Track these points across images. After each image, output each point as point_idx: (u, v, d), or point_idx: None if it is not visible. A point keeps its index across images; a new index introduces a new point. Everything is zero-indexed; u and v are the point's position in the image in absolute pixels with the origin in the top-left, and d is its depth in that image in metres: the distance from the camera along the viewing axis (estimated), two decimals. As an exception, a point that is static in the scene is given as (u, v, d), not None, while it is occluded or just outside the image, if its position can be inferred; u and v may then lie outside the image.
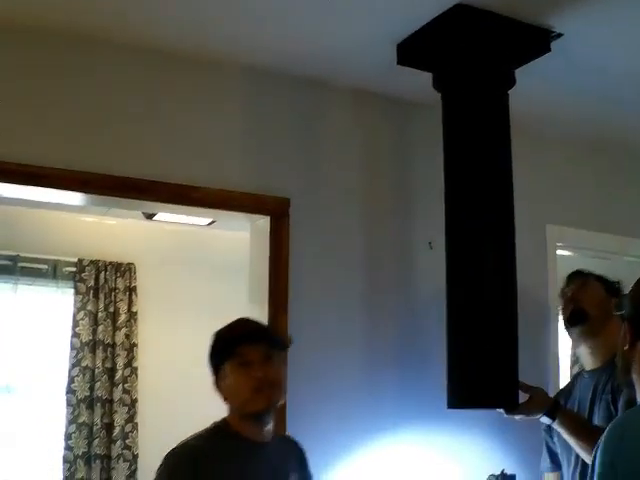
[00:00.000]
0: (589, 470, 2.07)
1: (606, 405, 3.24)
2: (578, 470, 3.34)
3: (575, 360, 6.52)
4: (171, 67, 3.52)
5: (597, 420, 3.29)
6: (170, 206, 3.58)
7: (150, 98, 3.47)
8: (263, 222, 3.58)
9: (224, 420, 2.62)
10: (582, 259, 4.82)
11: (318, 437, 3.45)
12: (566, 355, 6.41)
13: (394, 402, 3.68)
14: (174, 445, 2.52)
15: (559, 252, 4.35)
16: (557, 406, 3.25)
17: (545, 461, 3.57)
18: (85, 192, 3.41)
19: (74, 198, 3.54)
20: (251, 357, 2.59)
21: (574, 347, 4.02)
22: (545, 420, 3.24)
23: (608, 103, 3.99)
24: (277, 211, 3.55)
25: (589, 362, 3.36)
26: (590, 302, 3.28)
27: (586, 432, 3.13)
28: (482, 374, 3.10)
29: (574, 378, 3.64)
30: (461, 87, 3.28)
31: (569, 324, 3.43)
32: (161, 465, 2.50)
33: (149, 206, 3.75)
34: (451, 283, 3.22)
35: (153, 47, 3.43)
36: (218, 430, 2.60)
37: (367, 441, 3.62)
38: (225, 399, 2.60)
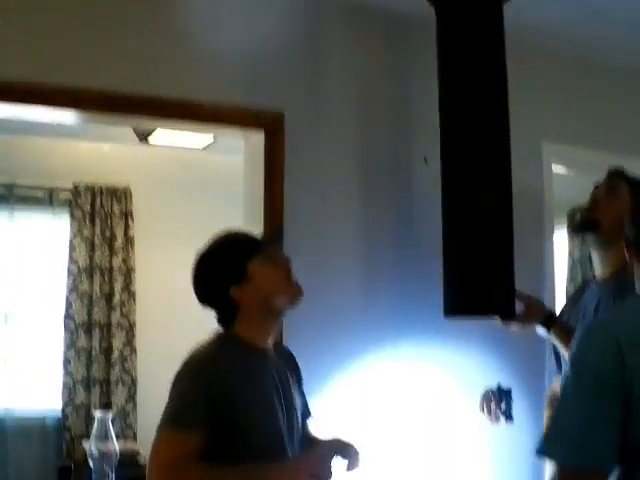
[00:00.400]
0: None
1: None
2: None
3: (573, 274, 6.61)
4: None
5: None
6: (164, 121, 3.56)
7: (148, 9, 3.43)
8: (257, 137, 3.56)
9: (230, 330, 2.56)
10: (578, 176, 4.83)
11: (316, 352, 3.49)
12: (563, 266, 6.50)
13: (391, 315, 3.70)
14: (172, 368, 2.47)
15: (554, 169, 4.34)
16: (553, 317, 3.26)
17: (553, 365, 3.60)
18: (78, 109, 3.38)
19: (67, 116, 3.52)
20: (276, 254, 2.64)
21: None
22: (540, 331, 3.25)
23: (608, 18, 3.95)
24: (271, 126, 3.53)
25: (599, 271, 3.31)
26: (609, 213, 3.12)
27: None
28: (479, 283, 3.11)
29: (583, 286, 3.63)
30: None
31: (578, 230, 3.40)
32: (180, 372, 2.43)
33: (142, 122, 3.74)
34: (446, 195, 3.22)
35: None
36: (228, 339, 2.54)
37: (364, 355, 3.64)
38: (247, 304, 2.52)
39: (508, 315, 3.20)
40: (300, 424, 2.70)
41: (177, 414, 2.37)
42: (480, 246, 3.13)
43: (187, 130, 4.11)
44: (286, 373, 2.70)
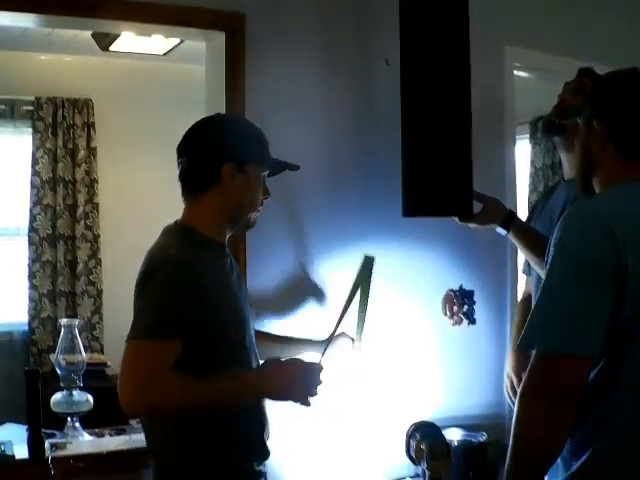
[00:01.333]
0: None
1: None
2: None
3: (535, 184, 6.65)
4: None
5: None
6: (123, 24, 3.51)
7: None
8: (219, 39, 3.52)
9: (188, 224, 2.50)
10: (540, 81, 4.83)
11: (278, 256, 3.51)
12: (525, 175, 6.54)
13: (355, 219, 3.69)
14: (133, 278, 2.41)
15: (516, 73, 4.33)
16: (512, 217, 3.25)
17: (525, 265, 3.64)
18: (38, 13, 3.31)
19: (28, 20, 3.47)
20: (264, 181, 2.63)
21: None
22: (500, 231, 3.25)
23: None
24: (232, 27, 3.48)
25: (566, 172, 3.35)
26: (573, 113, 3.08)
27: (539, 245, 3.16)
28: (436, 182, 3.11)
29: (550, 191, 3.64)
30: None
31: (545, 132, 3.40)
32: (153, 275, 2.33)
33: (104, 25, 3.65)
34: (405, 97, 3.20)
35: None
36: (191, 235, 2.46)
37: (327, 257, 3.67)
38: (224, 193, 2.49)
39: (466, 215, 3.20)
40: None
41: (157, 322, 2.25)
42: (438, 147, 3.13)
43: (149, 33, 4.05)
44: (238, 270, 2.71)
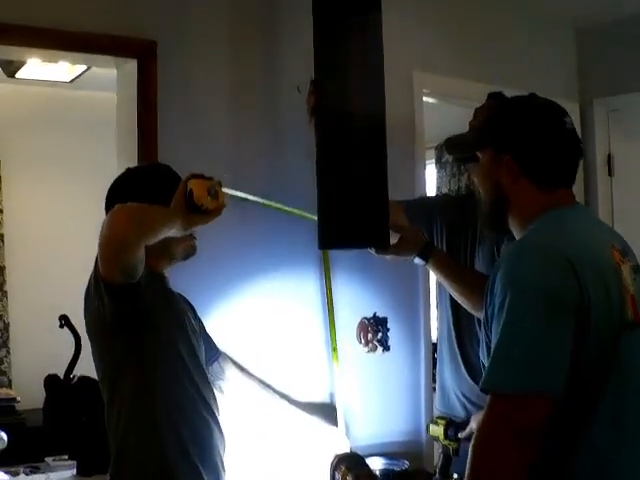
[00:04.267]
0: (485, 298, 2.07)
1: (490, 247, 3.29)
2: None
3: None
4: None
5: (479, 262, 3.35)
6: (30, 50, 3.45)
7: None
8: (130, 66, 3.49)
9: None
10: (450, 110, 4.89)
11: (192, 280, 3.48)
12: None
13: (265, 246, 3.69)
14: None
15: (426, 99, 4.38)
16: (430, 248, 3.23)
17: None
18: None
19: None
20: None
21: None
22: (418, 262, 3.22)
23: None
24: (144, 53, 3.46)
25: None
26: None
27: (460, 275, 3.17)
28: (352, 214, 3.05)
29: (462, 199, 3.60)
30: None
31: (459, 159, 3.38)
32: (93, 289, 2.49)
33: (11, 52, 3.59)
34: (319, 125, 3.20)
35: None
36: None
37: (240, 284, 3.65)
38: None
39: (382, 246, 3.16)
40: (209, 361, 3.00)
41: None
42: (353, 178, 3.10)
43: (58, 59, 3.99)
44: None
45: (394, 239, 3.18)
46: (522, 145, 2.20)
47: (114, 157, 3.74)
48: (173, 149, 3.45)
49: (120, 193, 2.70)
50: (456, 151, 2.87)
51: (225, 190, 2.60)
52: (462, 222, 3.43)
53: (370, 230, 3.13)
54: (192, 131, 3.57)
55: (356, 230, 3.12)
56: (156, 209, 2.48)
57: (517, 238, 2.24)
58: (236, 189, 3.35)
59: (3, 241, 6.12)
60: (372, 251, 3.22)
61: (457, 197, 3.94)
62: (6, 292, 6.12)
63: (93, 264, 2.45)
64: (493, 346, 1.97)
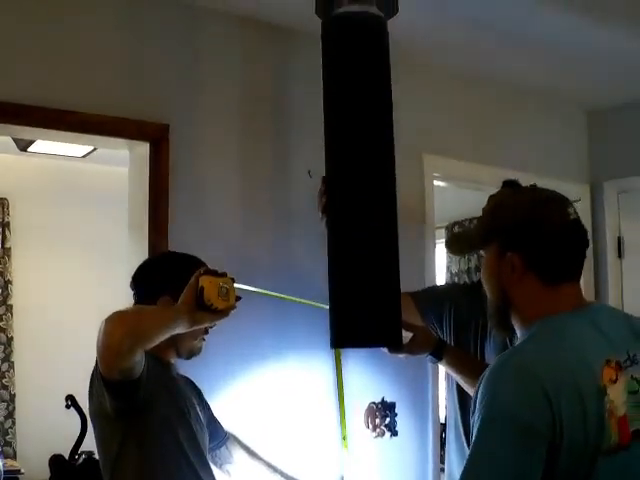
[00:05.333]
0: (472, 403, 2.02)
1: (502, 339, 3.25)
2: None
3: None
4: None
5: (490, 351, 3.32)
6: (45, 132, 3.45)
7: (22, 17, 3.32)
8: (142, 148, 3.52)
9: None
10: (460, 191, 4.92)
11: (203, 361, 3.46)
12: (442, 280, 6.57)
13: (274, 332, 3.68)
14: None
15: (436, 183, 4.40)
16: (442, 346, 3.20)
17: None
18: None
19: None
20: None
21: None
22: (431, 360, 3.19)
23: (491, 33, 4.04)
24: (156, 137, 3.49)
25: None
26: None
27: (472, 369, 3.08)
28: (364, 314, 3.03)
29: (471, 287, 3.58)
30: (340, 15, 3.24)
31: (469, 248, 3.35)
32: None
33: (24, 132, 3.62)
34: (333, 223, 3.15)
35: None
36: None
37: (248, 369, 3.63)
38: None
39: (395, 345, 3.10)
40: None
41: None
42: (364, 277, 3.07)
43: (71, 141, 4.02)
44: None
45: (406, 338, 3.15)
46: (526, 242, 2.14)
47: (124, 230, 3.77)
48: (183, 232, 3.46)
49: (152, 278, 2.81)
50: (462, 251, 2.87)
51: (237, 286, 2.58)
52: (472, 310, 3.40)
53: (382, 330, 3.08)
54: (203, 215, 3.59)
55: (368, 330, 3.05)
56: (157, 312, 2.51)
57: (519, 337, 2.20)
58: (248, 280, 3.33)
59: (12, 312, 6.12)
60: (385, 350, 3.19)
61: (466, 285, 3.92)
62: (13, 363, 6.10)
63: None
64: (463, 466, 1.94)
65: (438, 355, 3.17)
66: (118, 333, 2.29)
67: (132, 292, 2.83)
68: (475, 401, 1.99)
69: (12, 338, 6.10)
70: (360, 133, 3.16)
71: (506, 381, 1.95)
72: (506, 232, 2.19)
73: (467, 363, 3.20)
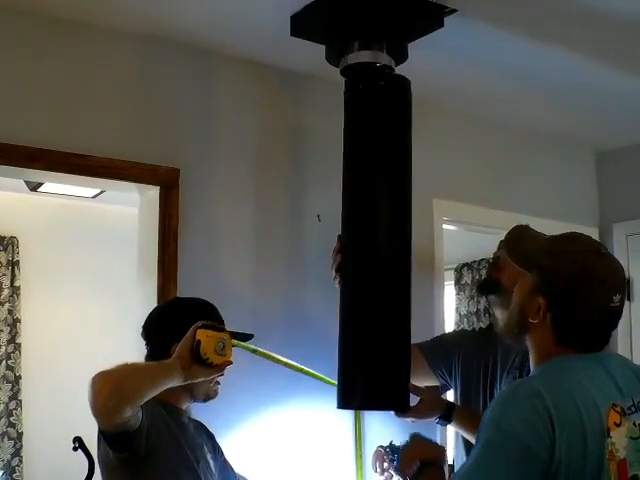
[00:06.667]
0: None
1: (513, 379, 3.22)
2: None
3: (460, 327, 6.66)
4: (58, 31, 3.40)
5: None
6: (57, 175, 3.48)
7: (37, 62, 3.36)
8: (153, 192, 3.54)
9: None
10: (469, 234, 4.92)
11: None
12: (450, 322, 6.55)
13: (284, 377, 3.66)
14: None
15: (445, 226, 4.40)
16: (451, 409, 3.20)
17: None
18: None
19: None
20: None
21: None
22: (440, 423, 3.22)
23: (501, 78, 4.07)
24: (167, 181, 3.51)
25: (499, 328, 3.23)
26: (510, 275, 3.00)
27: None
28: (372, 377, 3.03)
29: (480, 333, 3.61)
30: (360, 66, 3.26)
31: (479, 291, 3.35)
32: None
33: (35, 174, 3.63)
34: (346, 282, 3.14)
35: (39, 12, 3.32)
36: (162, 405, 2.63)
37: (260, 414, 3.64)
38: None
39: (402, 409, 3.13)
40: None
41: None
42: (374, 340, 3.06)
43: (82, 184, 4.05)
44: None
45: (414, 400, 3.16)
46: (560, 305, 2.15)
47: (133, 271, 3.78)
48: (193, 278, 3.47)
49: (162, 327, 2.81)
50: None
51: (235, 342, 2.58)
52: (481, 356, 3.39)
53: (390, 394, 3.08)
54: (213, 262, 3.61)
55: (376, 393, 3.08)
56: (146, 369, 2.50)
57: (531, 372, 2.24)
58: (258, 332, 3.33)
59: (20, 351, 6.10)
60: (392, 413, 3.20)
61: (474, 331, 3.90)
62: (21, 401, 6.07)
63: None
64: (458, 473, 2.05)
65: (447, 418, 3.17)
66: (104, 393, 2.28)
67: (144, 342, 2.82)
68: (479, 427, 2.06)
69: (20, 376, 6.08)
70: (377, 189, 3.16)
71: (514, 404, 2.02)
72: (546, 281, 2.18)
73: (477, 423, 3.17)
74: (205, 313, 2.75)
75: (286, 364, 3.44)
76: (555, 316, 2.15)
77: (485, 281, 3.35)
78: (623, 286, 2.19)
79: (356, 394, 3.06)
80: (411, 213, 3.19)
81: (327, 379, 3.39)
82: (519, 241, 2.66)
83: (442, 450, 2.64)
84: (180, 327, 2.62)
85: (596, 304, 2.14)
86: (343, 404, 3.12)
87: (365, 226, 3.13)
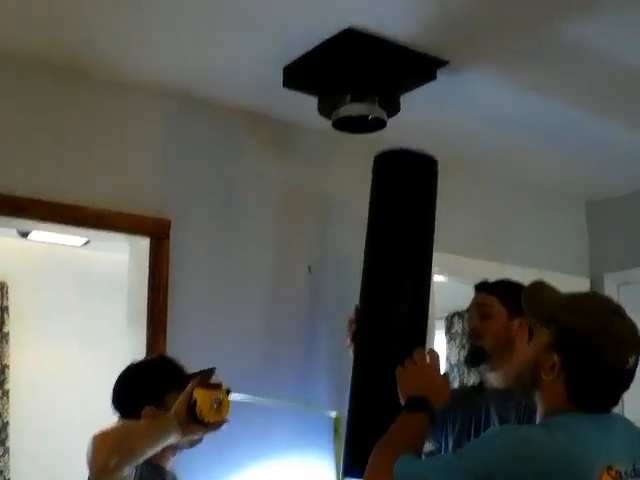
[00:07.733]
0: None
1: None
2: None
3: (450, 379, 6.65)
4: (47, 82, 3.41)
5: None
6: (46, 225, 3.47)
7: (27, 113, 3.37)
8: (143, 243, 3.53)
9: None
10: (459, 285, 4.89)
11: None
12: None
13: (280, 426, 3.65)
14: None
15: (436, 278, 4.38)
16: None
17: None
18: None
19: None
20: None
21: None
22: None
23: (489, 129, 4.08)
24: (157, 233, 3.51)
25: (495, 383, 3.21)
26: (492, 338, 3.10)
27: None
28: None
29: (471, 390, 3.57)
30: (351, 119, 3.25)
31: (468, 366, 3.32)
32: None
33: (24, 224, 3.64)
34: (357, 355, 3.10)
35: (30, 60, 3.34)
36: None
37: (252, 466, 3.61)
38: None
39: None
40: None
41: None
42: (383, 412, 3.00)
43: (72, 233, 4.04)
44: None
45: None
46: (574, 362, 2.14)
47: (122, 317, 3.77)
48: (183, 330, 3.45)
49: (127, 389, 2.75)
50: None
51: (233, 397, 2.56)
52: (471, 413, 3.36)
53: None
54: (203, 315, 3.60)
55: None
56: (145, 428, 2.51)
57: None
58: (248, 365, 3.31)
59: (8, 397, 6.05)
60: None
61: (466, 389, 3.87)
62: (8, 448, 6.01)
63: (95, 431, 2.42)
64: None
65: None
66: (104, 452, 2.31)
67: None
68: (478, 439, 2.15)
69: (8, 423, 6.02)
70: (397, 264, 3.13)
71: (504, 438, 2.06)
72: (563, 337, 2.18)
73: None
74: (170, 374, 2.76)
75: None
76: (569, 374, 2.14)
77: (470, 353, 3.30)
78: (638, 347, 2.18)
79: (362, 462, 3.00)
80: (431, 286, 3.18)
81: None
82: (538, 295, 2.65)
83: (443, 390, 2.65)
84: (150, 389, 2.67)
85: (611, 363, 2.13)
86: (348, 472, 3.05)
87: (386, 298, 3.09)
